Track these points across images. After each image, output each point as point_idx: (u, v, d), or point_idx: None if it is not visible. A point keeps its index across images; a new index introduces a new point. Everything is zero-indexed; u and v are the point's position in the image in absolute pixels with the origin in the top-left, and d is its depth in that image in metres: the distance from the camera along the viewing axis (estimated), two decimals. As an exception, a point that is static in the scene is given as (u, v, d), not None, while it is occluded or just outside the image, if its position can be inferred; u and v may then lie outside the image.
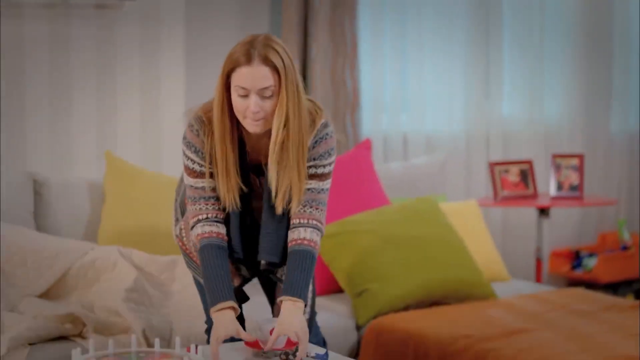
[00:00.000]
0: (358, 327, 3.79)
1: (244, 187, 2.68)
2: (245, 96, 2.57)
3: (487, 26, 5.07)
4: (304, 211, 2.69)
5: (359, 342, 3.76)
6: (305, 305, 2.67)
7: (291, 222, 2.70)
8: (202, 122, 2.66)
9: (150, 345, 3.14)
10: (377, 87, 4.80)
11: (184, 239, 2.85)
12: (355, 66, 4.58)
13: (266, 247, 2.71)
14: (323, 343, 2.96)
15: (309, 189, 2.68)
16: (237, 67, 2.57)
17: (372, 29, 4.76)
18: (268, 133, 2.63)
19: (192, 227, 2.71)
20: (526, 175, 4.89)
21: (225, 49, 2.69)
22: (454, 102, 5.03)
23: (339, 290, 4.02)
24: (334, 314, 3.78)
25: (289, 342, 2.61)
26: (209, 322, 2.91)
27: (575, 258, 5.28)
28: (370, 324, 3.71)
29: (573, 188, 4.90)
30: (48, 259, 3.44)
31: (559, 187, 4.92)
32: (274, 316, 2.90)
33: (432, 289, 3.87)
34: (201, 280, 2.85)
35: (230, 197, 2.66)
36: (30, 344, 3.12)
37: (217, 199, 2.69)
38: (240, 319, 2.79)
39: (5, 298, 3.32)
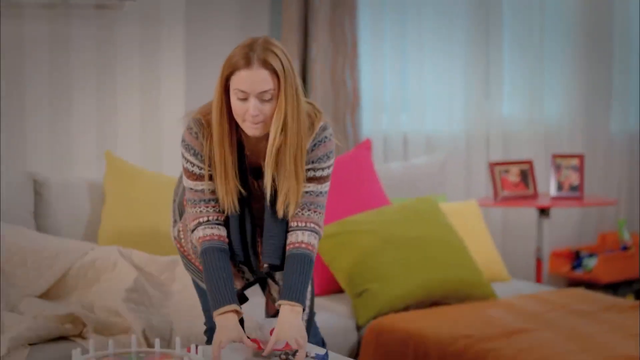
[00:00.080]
0: (358, 327, 3.79)
1: (242, 190, 2.67)
2: (245, 99, 2.56)
3: (487, 26, 5.07)
4: (302, 214, 2.68)
5: (359, 342, 3.76)
6: (304, 308, 2.67)
7: (289, 225, 2.69)
8: (200, 124, 2.65)
9: (150, 345, 3.14)
10: (377, 87, 4.79)
11: (182, 240, 2.84)
12: (355, 66, 4.58)
13: (269, 250, 2.70)
14: (322, 343, 2.96)
15: (307, 192, 2.68)
16: (237, 71, 2.55)
17: (372, 29, 4.75)
18: (267, 136, 2.62)
19: (193, 230, 2.70)
20: (526, 175, 4.89)
21: (225, 49, 2.68)
22: (454, 102, 5.03)
23: (339, 291, 4.02)
24: (334, 314, 3.78)
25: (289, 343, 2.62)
26: (208, 323, 2.91)
27: (576, 258, 5.28)
28: (370, 324, 3.70)
29: (573, 188, 4.90)
30: (48, 259, 3.44)
31: (559, 187, 4.92)
32: (266, 315, 2.90)
33: (432, 289, 3.87)
34: (200, 283, 2.85)
35: (229, 200, 2.65)
36: (30, 344, 3.11)
37: (217, 201, 2.68)
38: (240, 319, 2.78)
39: (5, 298, 3.31)
